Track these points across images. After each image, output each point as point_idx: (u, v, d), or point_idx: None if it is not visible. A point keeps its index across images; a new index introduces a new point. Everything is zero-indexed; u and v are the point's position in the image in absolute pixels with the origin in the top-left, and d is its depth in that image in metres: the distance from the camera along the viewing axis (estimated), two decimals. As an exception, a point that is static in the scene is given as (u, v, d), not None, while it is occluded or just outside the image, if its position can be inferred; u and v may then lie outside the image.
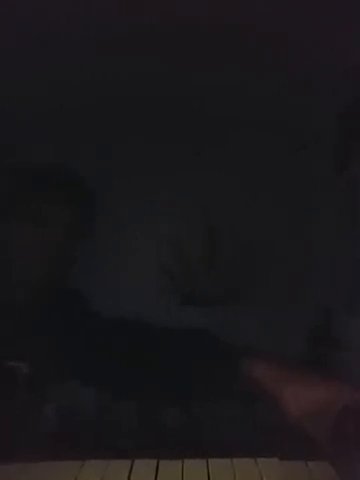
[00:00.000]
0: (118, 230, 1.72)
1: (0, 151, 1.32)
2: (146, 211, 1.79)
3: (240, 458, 0.65)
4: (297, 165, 1.76)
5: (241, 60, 1.37)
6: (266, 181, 1.78)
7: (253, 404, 0.96)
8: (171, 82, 1.47)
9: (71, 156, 1.07)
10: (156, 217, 1.79)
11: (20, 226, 0.85)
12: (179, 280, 1.83)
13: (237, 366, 0.79)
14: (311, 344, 1.71)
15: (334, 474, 0.63)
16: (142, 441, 1.40)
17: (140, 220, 1.78)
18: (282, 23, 1.15)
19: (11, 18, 1.11)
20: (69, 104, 1.50)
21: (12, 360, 0.82)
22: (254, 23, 1.16)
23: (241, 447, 0.76)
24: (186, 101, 1.56)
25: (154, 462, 0.63)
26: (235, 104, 1.59)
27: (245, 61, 1.38)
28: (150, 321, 0.92)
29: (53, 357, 0.87)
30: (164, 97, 1.53)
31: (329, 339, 1.67)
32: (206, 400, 1.02)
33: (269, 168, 1.76)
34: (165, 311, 1.55)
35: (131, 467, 0.63)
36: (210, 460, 0.64)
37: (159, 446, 0.91)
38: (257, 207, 1.76)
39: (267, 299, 1.72)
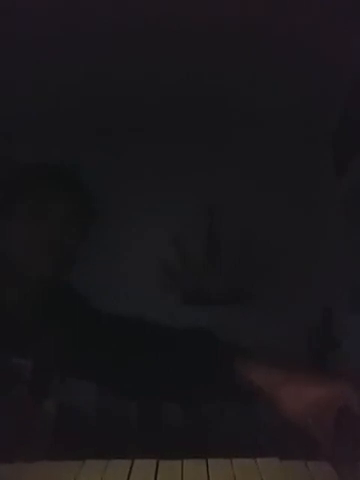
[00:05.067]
0: (120, 229, 1.73)
1: (0, 150, 1.32)
2: (148, 210, 1.79)
3: (240, 458, 0.65)
4: (298, 167, 1.77)
5: (244, 63, 1.37)
6: (268, 182, 1.78)
7: (253, 404, 0.95)
8: (171, 83, 1.47)
9: (72, 155, 1.07)
10: (158, 217, 1.79)
11: (20, 225, 0.85)
12: (181, 279, 1.83)
13: (237, 366, 0.79)
14: (311, 344, 1.71)
15: (334, 474, 0.63)
16: (142, 441, 1.40)
17: (142, 219, 1.79)
18: (286, 26, 1.15)
19: (11, 18, 1.11)
20: (71, 104, 1.50)
21: (13, 359, 0.82)
22: (257, 23, 1.16)
23: (241, 447, 0.76)
24: (187, 102, 1.56)
25: (154, 462, 0.63)
26: (236, 106, 1.59)
27: (248, 64, 1.38)
28: (151, 320, 0.92)
29: (54, 356, 0.87)
30: (165, 97, 1.53)
31: (329, 339, 1.68)
32: (206, 400, 1.02)
33: (271, 170, 1.76)
34: (167, 310, 1.55)
35: (131, 467, 0.62)
36: (210, 460, 0.64)
37: (159, 446, 0.91)
38: (259, 208, 1.76)
39: (268, 299, 1.73)
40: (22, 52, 1.24)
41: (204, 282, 1.82)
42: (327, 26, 1.12)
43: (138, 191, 1.76)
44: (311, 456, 0.67)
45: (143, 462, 0.65)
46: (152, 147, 1.73)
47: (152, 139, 1.72)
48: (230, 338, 0.87)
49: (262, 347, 0.84)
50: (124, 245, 1.75)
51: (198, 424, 1.53)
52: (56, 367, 0.90)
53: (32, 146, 1.40)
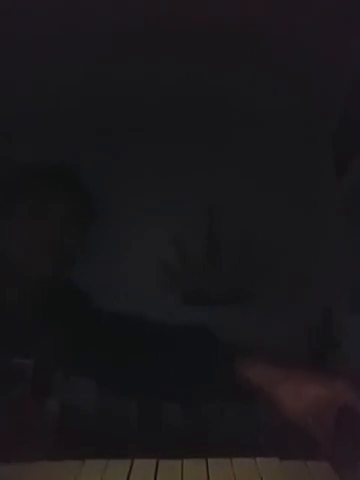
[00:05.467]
0: (120, 229, 1.73)
1: (0, 150, 1.32)
2: (148, 210, 1.79)
3: (240, 458, 0.65)
4: (298, 167, 1.77)
5: (244, 63, 1.37)
6: (268, 183, 1.78)
7: (253, 404, 0.95)
8: (171, 83, 1.47)
9: (72, 155, 1.07)
10: (158, 217, 1.79)
11: (20, 225, 0.85)
12: (181, 279, 1.83)
13: (237, 366, 0.79)
14: (311, 344, 1.71)
15: (334, 474, 0.63)
16: (142, 441, 1.40)
17: (142, 219, 1.79)
18: (286, 26, 1.15)
19: (11, 18, 1.11)
20: (71, 104, 1.50)
21: (13, 359, 0.82)
22: (257, 23, 1.16)
23: (241, 447, 0.76)
24: (187, 102, 1.56)
25: (154, 462, 0.63)
26: (236, 106, 1.59)
27: (248, 64, 1.38)
28: (152, 320, 0.92)
29: (54, 356, 0.87)
30: (165, 97, 1.53)
31: (329, 339, 1.68)
32: (206, 400, 1.02)
33: (271, 170, 1.76)
34: (167, 310, 1.55)
35: (131, 466, 0.62)
36: (210, 460, 0.64)
37: (159, 445, 0.91)
38: (259, 208, 1.76)
39: (268, 299, 1.73)
40: (22, 52, 1.24)
41: (204, 282, 1.82)
42: (327, 26, 1.12)
43: (138, 191, 1.76)
44: (311, 456, 0.67)
45: (143, 462, 0.65)
46: (152, 147, 1.73)
47: (152, 139, 1.72)
48: (230, 338, 0.87)
49: (262, 347, 0.84)
50: (124, 245, 1.75)
51: (198, 424, 1.53)
52: (56, 367, 0.90)
53: (32, 146, 1.40)
